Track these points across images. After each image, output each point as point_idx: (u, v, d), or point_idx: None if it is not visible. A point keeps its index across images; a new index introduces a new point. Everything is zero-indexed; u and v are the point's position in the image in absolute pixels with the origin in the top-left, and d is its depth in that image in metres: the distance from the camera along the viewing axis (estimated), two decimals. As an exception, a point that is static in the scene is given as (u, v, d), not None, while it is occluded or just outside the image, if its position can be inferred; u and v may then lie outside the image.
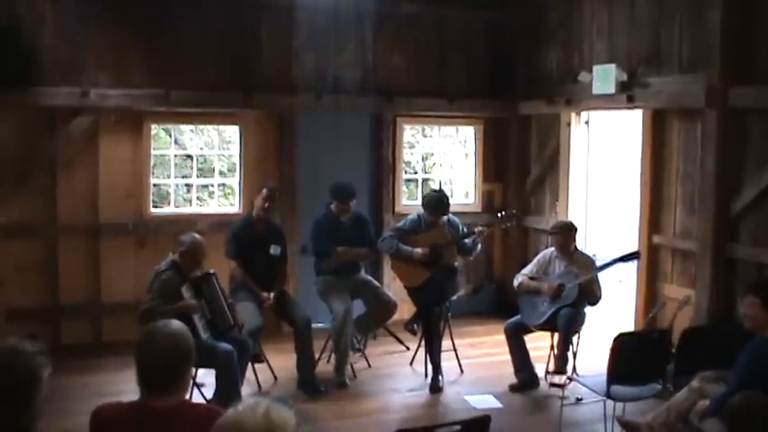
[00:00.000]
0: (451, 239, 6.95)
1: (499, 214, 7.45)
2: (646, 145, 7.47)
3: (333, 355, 6.88)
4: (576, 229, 6.85)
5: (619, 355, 5.10)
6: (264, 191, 6.85)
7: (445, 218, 7.01)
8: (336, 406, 6.32)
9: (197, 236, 6.02)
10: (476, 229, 7.00)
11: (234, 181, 8.80)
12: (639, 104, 7.38)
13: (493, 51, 9.17)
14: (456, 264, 7.09)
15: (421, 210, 7.08)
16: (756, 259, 6.33)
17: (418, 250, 6.87)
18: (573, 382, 5.94)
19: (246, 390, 6.18)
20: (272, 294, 6.66)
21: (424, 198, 7.24)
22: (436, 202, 6.97)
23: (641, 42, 7.44)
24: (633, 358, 5.18)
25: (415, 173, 9.98)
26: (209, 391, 5.95)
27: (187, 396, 3.10)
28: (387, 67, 8.78)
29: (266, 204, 6.79)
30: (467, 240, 7.01)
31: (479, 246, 7.14)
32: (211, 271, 6.06)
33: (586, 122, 8.60)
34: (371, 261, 7.88)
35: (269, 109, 8.33)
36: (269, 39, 8.27)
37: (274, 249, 6.81)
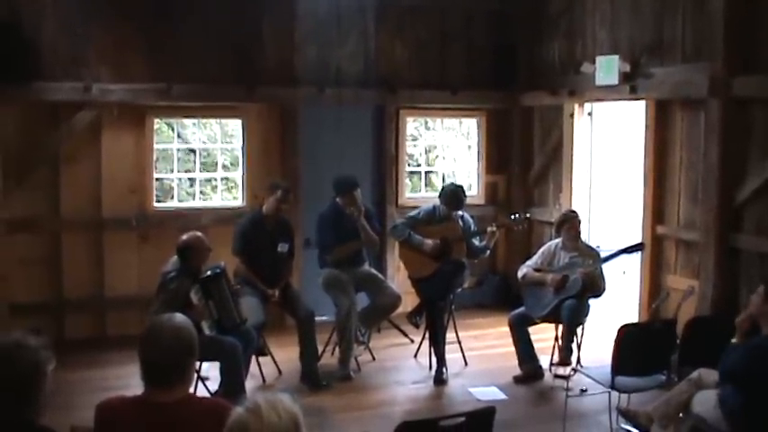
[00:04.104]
0: (462, 235, 6.94)
1: (512, 216, 7.32)
2: (649, 135, 7.45)
3: (337, 348, 6.88)
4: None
5: (623, 346, 5.10)
6: (279, 192, 6.69)
7: (459, 213, 7.01)
8: (341, 399, 6.32)
9: (196, 234, 5.89)
10: (488, 229, 6.98)
11: (237, 175, 8.79)
12: (642, 95, 7.36)
13: (495, 42, 9.14)
14: (464, 259, 7.07)
15: (437, 201, 7.08)
16: (760, 249, 6.32)
17: (429, 241, 6.86)
18: (577, 374, 5.93)
19: (251, 383, 6.18)
20: (276, 291, 6.64)
21: (441, 190, 7.23)
22: (452, 194, 6.95)
23: (644, 32, 7.42)
24: (637, 349, 5.18)
25: (418, 165, 9.97)
26: (213, 384, 5.96)
27: (191, 389, 3.09)
28: (389, 59, 8.76)
29: (281, 206, 6.74)
30: (476, 241, 7.00)
31: (488, 252, 7.12)
32: (221, 267, 5.95)
33: (589, 113, 8.58)
34: (375, 253, 7.85)
35: (271, 102, 8.31)
36: (271, 31, 8.25)
37: (282, 247, 6.75)
